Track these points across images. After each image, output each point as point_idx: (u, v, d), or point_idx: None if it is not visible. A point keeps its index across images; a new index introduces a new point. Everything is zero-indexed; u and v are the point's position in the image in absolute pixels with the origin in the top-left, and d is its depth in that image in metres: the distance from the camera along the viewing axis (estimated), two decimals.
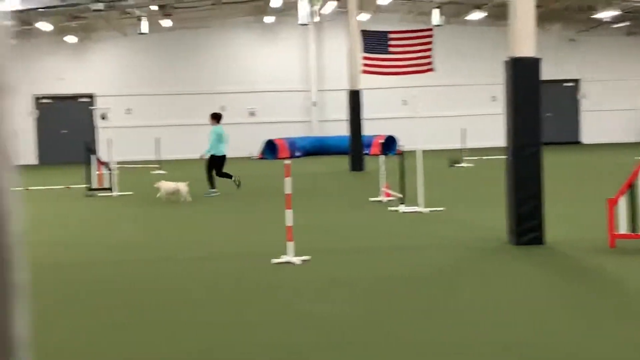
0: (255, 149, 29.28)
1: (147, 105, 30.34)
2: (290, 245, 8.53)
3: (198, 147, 29.74)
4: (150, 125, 29.80)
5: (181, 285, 7.67)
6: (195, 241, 10.33)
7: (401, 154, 13.59)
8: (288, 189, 8.63)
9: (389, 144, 27.60)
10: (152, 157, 25.98)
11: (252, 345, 5.53)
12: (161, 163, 24.33)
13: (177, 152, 29.78)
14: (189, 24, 30.11)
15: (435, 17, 27.20)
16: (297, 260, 8.42)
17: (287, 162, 8.74)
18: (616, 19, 28.84)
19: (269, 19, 29.88)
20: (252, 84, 30.59)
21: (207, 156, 16.52)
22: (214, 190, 16.18)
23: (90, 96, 30.23)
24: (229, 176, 16.48)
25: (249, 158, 28.99)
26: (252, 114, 30.52)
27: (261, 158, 28.27)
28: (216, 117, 17.70)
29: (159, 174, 22.74)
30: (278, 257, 8.54)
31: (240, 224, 11.99)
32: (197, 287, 7.56)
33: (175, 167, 25.11)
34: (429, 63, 30.31)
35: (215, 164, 16.46)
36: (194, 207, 14.23)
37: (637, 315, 6.08)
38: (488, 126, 29.50)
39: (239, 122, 30.50)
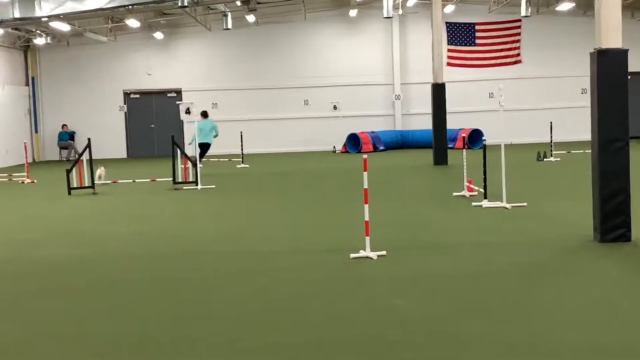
0: (338, 142, 29.33)
1: (232, 100, 30.80)
2: (368, 240, 8.50)
3: (281, 141, 30.19)
4: (234, 120, 30.25)
5: (262, 279, 7.75)
6: (275, 236, 10.42)
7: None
8: (365, 184, 8.60)
9: (474, 137, 27.19)
10: (236, 151, 26.37)
11: (336, 341, 5.54)
12: (244, 157, 24.66)
13: (261, 145, 30.15)
14: (272, 18, 30.39)
15: (524, 7, 26.58)
16: (374, 255, 8.39)
17: (365, 156, 8.70)
18: None
19: (352, 12, 29.85)
20: (335, 77, 30.63)
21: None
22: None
23: (178, 91, 30.91)
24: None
25: (332, 152, 29.07)
26: (335, 107, 30.56)
27: (344, 152, 28.29)
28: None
29: (243, 167, 23.07)
30: (357, 252, 8.53)
31: (321, 218, 12.02)
32: (277, 282, 7.62)
33: (257, 161, 25.43)
34: (517, 55, 29.73)
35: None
36: (271, 200, 14.37)
37: None
38: (577, 119, 28.67)
39: (323, 116, 30.62)
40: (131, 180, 18.72)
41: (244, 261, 8.69)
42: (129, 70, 30.99)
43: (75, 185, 16.86)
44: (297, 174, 20.41)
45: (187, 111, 18.08)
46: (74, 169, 16.93)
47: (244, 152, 24.94)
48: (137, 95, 31.26)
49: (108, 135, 30.53)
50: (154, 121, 31.25)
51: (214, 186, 17.33)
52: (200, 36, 30.69)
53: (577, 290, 6.78)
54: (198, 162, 18.01)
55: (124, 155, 31.15)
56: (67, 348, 5.60)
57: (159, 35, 30.01)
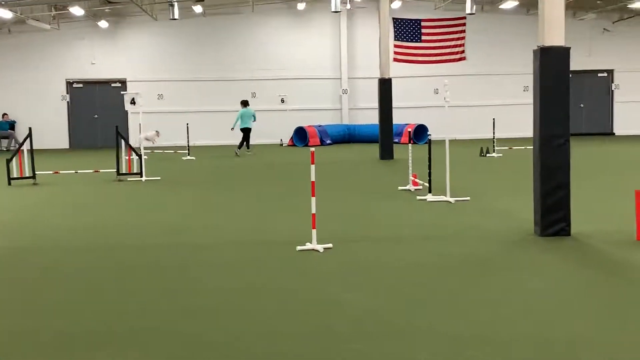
0: (285, 136, 29.34)
1: (178, 91, 30.53)
2: (315, 233, 8.54)
3: (228, 133, 30.03)
4: (180, 111, 30.00)
5: (206, 272, 7.72)
6: (221, 228, 10.39)
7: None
8: (313, 177, 8.63)
9: (420, 132, 27.49)
10: (182, 143, 26.15)
11: (285, 334, 5.55)
12: (190, 149, 24.47)
13: (207, 137, 29.96)
14: (220, 10, 30.19)
15: (469, 5, 26.94)
16: (320, 248, 8.43)
17: (312, 149, 8.72)
18: None
19: (300, 6, 29.84)
20: (282, 70, 30.61)
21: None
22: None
23: (122, 81, 30.49)
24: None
25: (279, 145, 29.05)
26: (282, 101, 30.54)
27: (291, 145, 28.30)
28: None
29: (189, 159, 22.89)
30: (303, 245, 8.56)
31: (266, 210, 12.03)
32: (222, 274, 7.60)
33: (204, 153, 25.27)
34: (461, 52, 30.12)
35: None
36: (217, 192, 14.32)
37: None
38: (519, 116, 29.23)
39: (270, 109, 30.57)
40: (73, 171, 18.40)
41: (187, 253, 8.64)
42: (72, 59, 30.44)
43: (15, 176, 16.52)
44: (244, 167, 20.36)
45: (132, 102, 17.83)
46: (14, 159, 16.59)
47: (190, 144, 24.74)
48: (81, 85, 30.74)
49: (50, 125, 29.96)
50: (97, 111, 30.76)
51: (159, 178, 17.17)
52: (146, 26, 30.32)
53: (518, 283, 6.93)
54: (245, 146, 23.59)
55: (66, 145, 30.61)
56: None
57: (103, 24, 29.53)
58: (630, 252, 8.10)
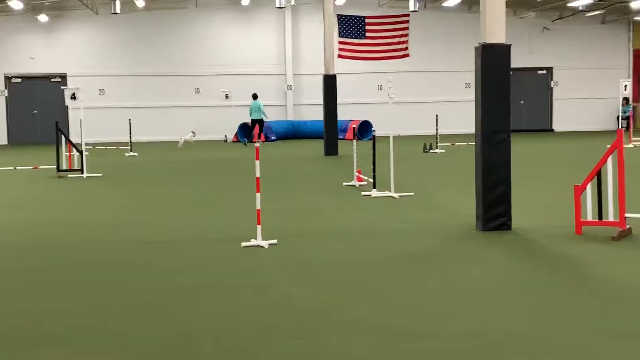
0: (230, 132, 29.18)
1: (120, 86, 30.09)
2: (260, 229, 8.52)
3: (171, 129, 29.69)
4: (123, 107, 29.57)
5: (149, 269, 7.63)
6: (164, 225, 10.28)
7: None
8: (257, 172, 8.61)
9: (364, 128, 27.64)
10: (124, 139, 25.79)
11: (229, 331, 5.52)
12: (133, 145, 24.15)
13: (150, 134, 29.61)
14: (162, 4, 29.85)
15: (412, 2, 27.17)
16: (265, 244, 8.42)
17: (257, 144, 8.70)
18: (590, 8, 29.01)
19: (245, 1, 29.69)
20: (227, 66, 30.43)
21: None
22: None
23: (63, 76, 29.91)
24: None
25: (224, 141, 28.89)
26: (227, 96, 30.36)
27: (236, 141, 28.16)
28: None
29: (132, 155, 22.59)
30: (248, 241, 8.53)
31: (210, 207, 11.95)
32: (165, 271, 7.53)
33: (147, 149, 24.97)
34: (405, 49, 30.34)
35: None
36: (161, 189, 14.17)
37: (603, 300, 6.16)
38: (462, 113, 29.62)
39: (213, 105, 30.38)
40: (12, 168, 17.99)
41: (128, 250, 8.53)
42: (10, 53, 29.72)
43: None
44: (188, 163, 20.19)
45: (73, 97, 17.51)
46: None
47: (132, 140, 24.41)
48: (19, 80, 30.05)
49: None
50: (37, 107, 30.11)
51: (100, 174, 16.90)
52: (87, 20, 29.79)
53: (458, 277, 7.03)
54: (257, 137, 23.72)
55: (4, 141, 29.90)
56: None
57: (43, 17, 28.91)
58: (569, 246, 8.29)
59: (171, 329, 5.54)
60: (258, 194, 8.59)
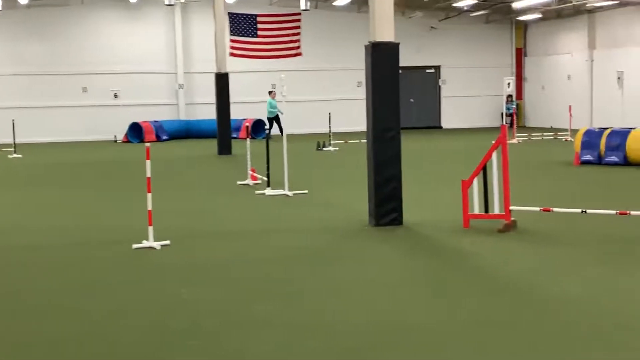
0: (120, 132, 28.46)
1: (2, 86, 28.85)
2: (151, 230, 8.36)
3: (58, 130, 28.72)
4: (5, 107, 28.36)
5: (42, 273, 7.36)
6: (51, 228, 9.94)
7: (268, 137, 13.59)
8: (148, 172, 8.44)
9: (258, 127, 27.57)
10: (8, 140, 24.74)
11: (122, 333, 5.38)
12: (17, 146, 23.21)
13: (36, 135, 28.54)
14: (46, 1, 28.82)
15: (303, 1, 27.30)
16: (157, 245, 8.26)
17: (148, 144, 8.53)
18: (475, 8, 29.97)
19: None
20: (115, 64, 29.67)
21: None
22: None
23: None
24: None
25: (113, 141, 28.19)
26: (116, 96, 29.63)
27: (126, 142, 27.53)
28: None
29: (16, 157, 21.73)
30: (139, 243, 8.36)
31: (100, 209, 11.63)
32: (60, 275, 7.28)
33: (32, 151, 24.07)
34: (297, 47, 30.44)
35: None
36: (48, 191, 13.70)
37: (490, 291, 6.37)
38: (354, 111, 29.98)
39: (102, 104, 29.60)
40: None
41: (15, 254, 8.20)
42: None
43: None
44: (76, 164, 19.58)
45: None
46: None
47: (16, 142, 23.45)
48: None
49: None
50: None
51: None
52: None
53: (353, 272, 7.12)
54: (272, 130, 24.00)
55: None
56: None
57: None
58: (457, 239, 8.54)
59: (59, 332, 5.37)
60: (149, 195, 8.42)
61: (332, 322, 5.54)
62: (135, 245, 8.30)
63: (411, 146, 20.98)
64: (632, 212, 8.75)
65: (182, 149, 23.68)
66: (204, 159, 20.31)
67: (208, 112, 28.72)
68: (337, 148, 22.31)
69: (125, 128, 27.90)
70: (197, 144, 25.77)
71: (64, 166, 19.14)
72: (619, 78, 22.96)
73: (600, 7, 27.49)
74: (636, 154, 15.42)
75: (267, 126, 24.82)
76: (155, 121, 28.38)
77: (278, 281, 6.87)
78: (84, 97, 29.53)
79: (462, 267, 7.30)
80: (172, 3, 24.73)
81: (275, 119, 25.64)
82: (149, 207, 8.40)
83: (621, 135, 15.83)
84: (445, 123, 33.09)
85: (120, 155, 21.87)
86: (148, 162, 8.42)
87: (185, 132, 29.22)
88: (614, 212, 8.96)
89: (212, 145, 22.31)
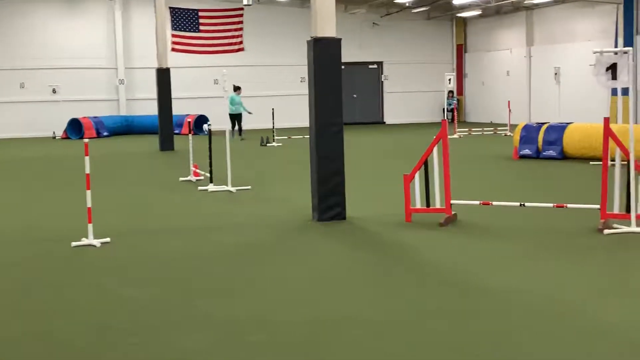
0: (59, 128, 27.91)
1: None
2: (91, 228, 8.23)
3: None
4: None
5: None
6: None
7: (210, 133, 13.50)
8: (87, 169, 8.30)
9: (200, 123, 27.35)
10: None
11: (60, 332, 5.29)
12: None
13: None
14: None
15: None
16: (97, 242, 8.14)
17: (86, 140, 8.39)
18: (416, 4, 30.26)
19: None
20: (54, 59, 29.07)
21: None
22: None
23: None
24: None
25: (52, 138, 27.64)
26: (54, 91, 29.05)
27: (65, 138, 27.01)
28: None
29: None
30: (79, 240, 8.22)
31: (38, 207, 11.40)
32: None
33: None
34: (240, 43, 30.43)
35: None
36: None
37: (432, 283, 6.45)
38: (297, 106, 30.00)
39: (41, 100, 28.98)
40: None
41: None
42: None
43: None
44: (13, 161, 19.14)
45: None
46: None
47: None
48: None
49: None
50: None
51: None
52: None
53: (296, 267, 7.14)
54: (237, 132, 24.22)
55: None
56: None
57: None
58: (400, 233, 8.63)
59: None
60: (89, 192, 8.29)
61: (274, 317, 5.54)
62: (74, 243, 8.16)
63: (354, 141, 21.10)
64: (569, 205, 8.97)
65: (123, 145, 23.36)
66: (145, 155, 20.07)
67: (149, 108, 28.39)
68: (280, 144, 22.29)
69: (64, 124, 27.37)
70: (139, 140, 25.45)
71: (0, 163, 18.69)
72: (556, 74, 23.47)
73: (538, 4, 28.05)
74: (572, 148, 15.79)
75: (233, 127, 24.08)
76: (95, 117, 27.91)
77: (219, 277, 6.84)
78: (22, 93, 28.87)
79: (404, 261, 7.38)
80: None
81: (237, 117, 24.58)
82: (89, 204, 8.26)
83: (558, 130, 16.19)
84: (388, 118, 33.35)
85: (60, 152, 21.46)
86: (87, 158, 8.28)
87: (126, 128, 28.82)
88: (551, 205, 9.17)
89: (154, 141, 22.07)
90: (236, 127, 24.62)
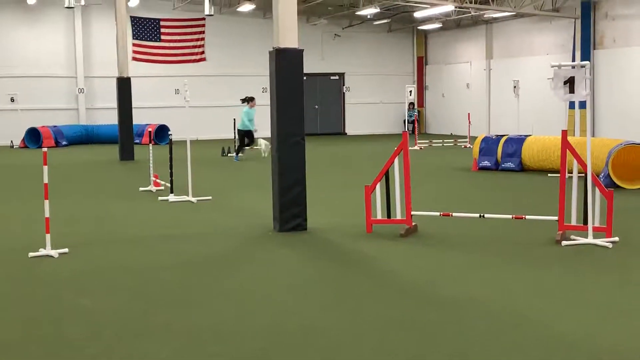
0: (17, 137, 27.48)
1: None
2: (49, 238, 8.11)
3: None
4: None
5: None
6: None
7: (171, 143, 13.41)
8: (46, 179, 8.19)
9: (161, 133, 27.15)
10: None
11: (17, 344, 5.19)
12: None
13: None
14: None
15: (207, 6, 27.07)
16: (55, 253, 8.03)
17: (45, 149, 8.28)
18: (378, 16, 30.47)
19: (30, 0, 28.13)
20: (12, 68, 28.63)
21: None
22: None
23: None
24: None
25: (10, 147, 27.20)
26: (12, 100, 28.60)
27: (24, 147, 26.61)
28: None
29: None
30: (36, 251, 8.10)
31: None
32: None
33: None
34: (202, 52, 30.36)
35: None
36: None
37: (392, 293, 6.48)
38: (259, 116, 29.94)
39: None
40: None
41: None
42: None
43: None
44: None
45: None
46: None
47: None
48: None
49: None
50: None
51: None
52: None
53: (256, 278, 7.12)
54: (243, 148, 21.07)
55: None
56: None
57: None
58: (360, 243, 8.66)
59: None
60: (47, 201, 8.18)
61: (234, 327, 5.52)
62: (31, 254, 8.03)
63: (316, 152, 21.13)
64: (527, 217, 9.09)
65: (83, 155, 23.08)
66: (105, 164, 19.86)
67: (109, 117, 28.08)
68: (242, 154, 22.22)
69: (22, 133, 26.95)
70: (98, 150, 25.17)
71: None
72: (514, 87, 23.79)
73: (497, 18, 28.44)
74: (531, 161, 16.02)
75: (239, 142, 20.68)
76: (54, 126, 27.54)
77: (179, 287, 6.79)
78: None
79: (364, 271, 7.41)
80: (72, 6, 24.05)
81: (247, 134, 20.94)
82: (47, 214, 8.15)
83: (517, 142, 16.41)
84: (350, 129, 33.46)
85: (17, 161, 21.13)
86: (45, 167, 8.18)
87: (86, 137, 28.48)
88: (509, 216, 9.29)
89: (114, 150, 21.85)
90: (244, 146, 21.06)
